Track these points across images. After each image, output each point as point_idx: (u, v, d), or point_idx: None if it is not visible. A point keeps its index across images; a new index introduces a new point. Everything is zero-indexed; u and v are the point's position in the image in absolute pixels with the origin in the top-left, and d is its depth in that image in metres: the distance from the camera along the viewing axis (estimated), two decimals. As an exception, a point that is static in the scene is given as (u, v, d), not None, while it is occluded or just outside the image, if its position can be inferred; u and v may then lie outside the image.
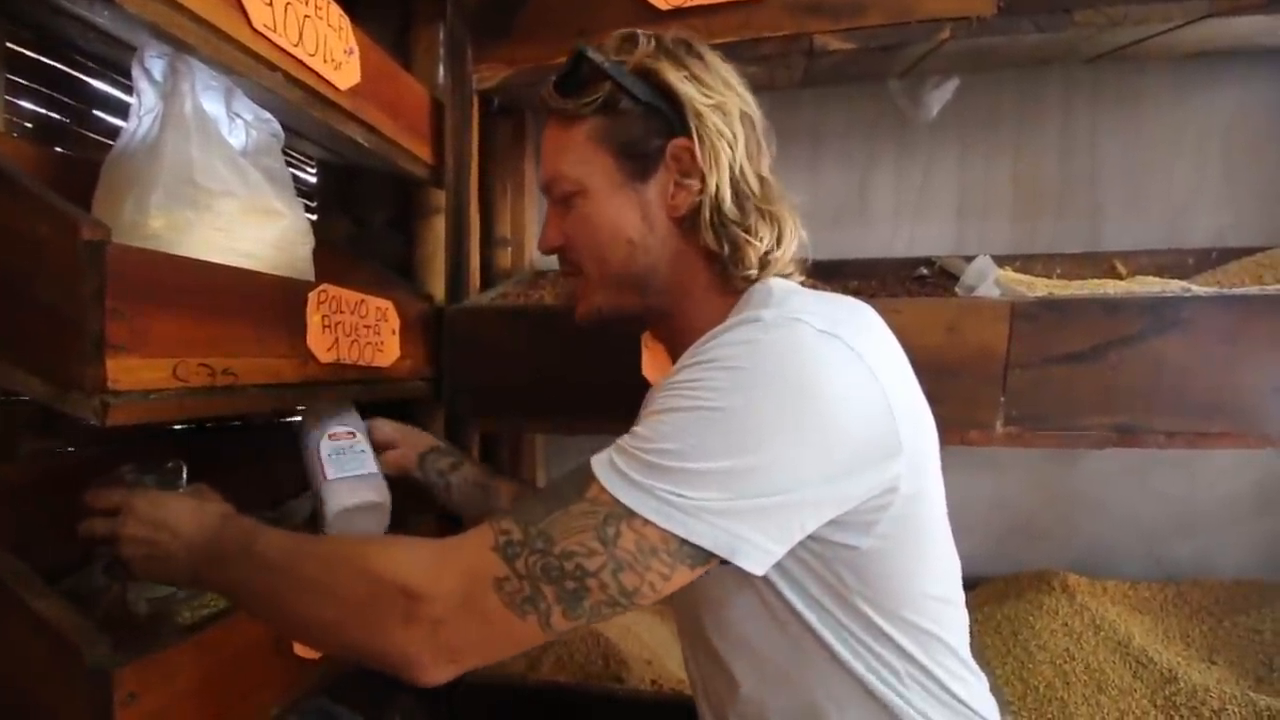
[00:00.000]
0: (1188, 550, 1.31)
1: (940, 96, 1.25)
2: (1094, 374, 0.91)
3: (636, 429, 0.53)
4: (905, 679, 0.57)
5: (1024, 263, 1.25)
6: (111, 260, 0.58)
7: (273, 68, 0.80)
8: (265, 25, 0.76)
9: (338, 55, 0.90)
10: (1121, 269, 1.22)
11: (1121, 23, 0.98)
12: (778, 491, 0.48)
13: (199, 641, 0.67)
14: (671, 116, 0.62)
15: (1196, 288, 0.97)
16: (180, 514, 0.62)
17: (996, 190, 1.34)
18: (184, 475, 0.76)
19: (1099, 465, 1.32)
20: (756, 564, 0.49)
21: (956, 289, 1.03)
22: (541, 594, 0.48)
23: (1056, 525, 1.34)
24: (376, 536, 0.59)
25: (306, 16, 0.83)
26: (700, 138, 0.61)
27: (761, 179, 0.65)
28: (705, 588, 0.57)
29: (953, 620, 0.62)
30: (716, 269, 0.65)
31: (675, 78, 0.62)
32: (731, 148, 0.62)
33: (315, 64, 0.85)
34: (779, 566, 0.52)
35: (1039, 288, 1.04)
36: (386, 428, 0.95)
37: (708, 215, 0.62)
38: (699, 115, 0.61)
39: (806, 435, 0.49)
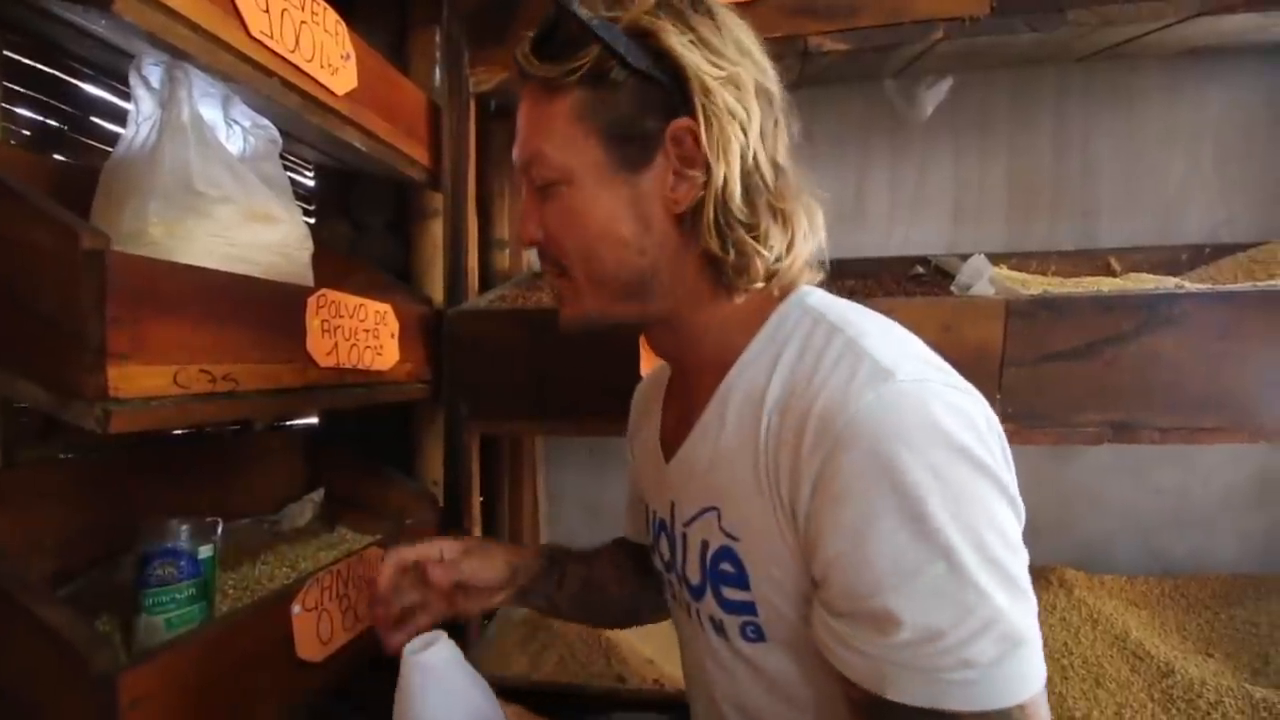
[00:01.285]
0: (1184, 545, 1.32)
1: (934, 96, 1.25)
2: (1089, 371, 0.92)
3: (889, 636, 0.43)
4: None
5: (1019, 261, 1.26)
6: (111, 268, 0.58)
7: (270, 74, 0.80)
8: (262, 32, 0.76)
9: (334, 60, 0.90)
10: (1116, 266, 1.23)
11: (1114, 21, 0.99)
12: (1031, 606, 0.45)
13: (203, 646, 0.67)
14: (673, 91, 0.52)
15: (1189, 285, 0.97)
16: None
17: (991, 189, 1.34)
18: (219, 531, 0.78)
19: (1095, 461, 1.33)
20: None
21: (952, 288, 1.04)
22: None
23: (1054, 521, 1.35)
24: None
25: (303, 22, 0.83)
26: (707, 119, 0.51)
27: (777, 168, 0.55)
28: (775, 662, 0.54)
29: None
30: (719, 276, 0.56)
31: (678, 42, 0.51)
32: (744, 131, 0.52)
33: (312, 69, 0.85)
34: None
35: (1034, 286, 1.04)
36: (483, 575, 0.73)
37: (711, 214, 0.52)
38: (706, 91, 0.51)
39: (1006, 520, 0.45)
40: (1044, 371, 0.93)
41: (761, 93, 0.54)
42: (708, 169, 0.52)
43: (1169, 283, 1.01)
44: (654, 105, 0.52)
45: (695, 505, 0.59)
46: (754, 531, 0.53)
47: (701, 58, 0.51)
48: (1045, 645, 1.10)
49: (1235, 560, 1.29)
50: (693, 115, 0.51)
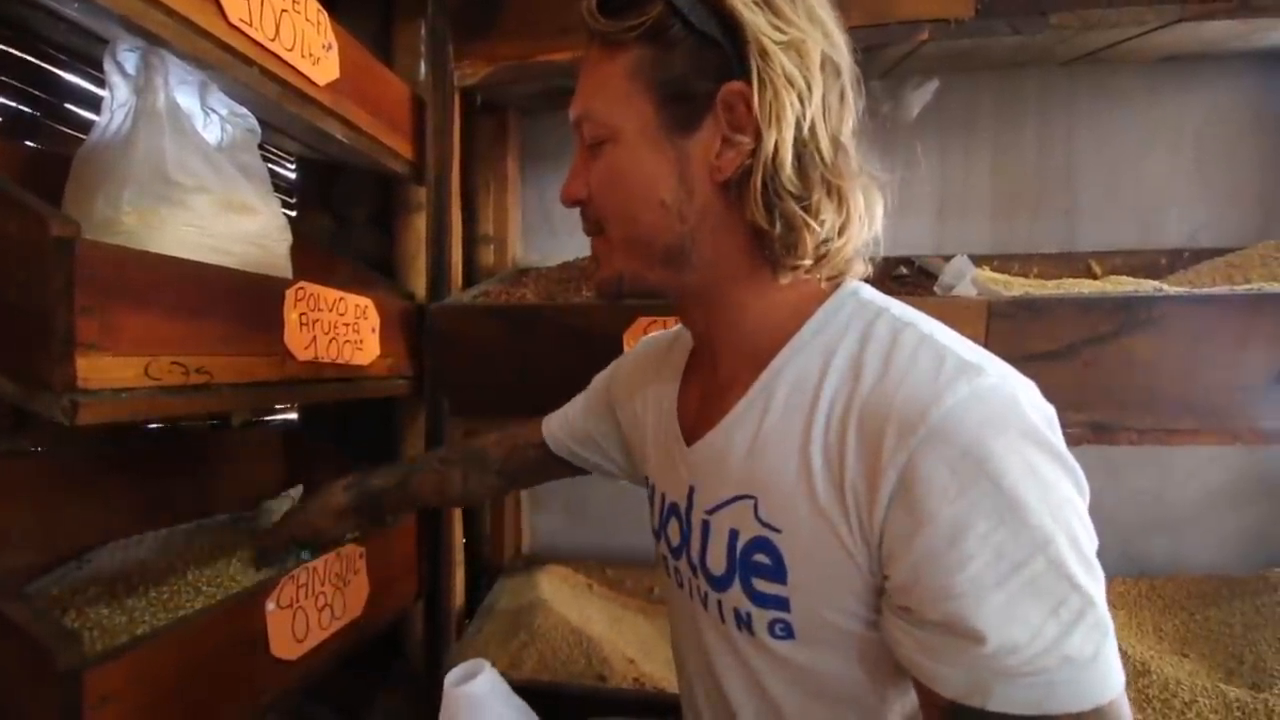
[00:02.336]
0: (1161, 546, 1.34)
1: (920, 98, 1.26)
2: (1068, 372, 0.93)
3: (988, 643, 0.41)
4: None
5: (1002, 262, 1.27)
6: (81, 257, 0.57)
7: (249, 62, 0.79)
8: (241, 19, 0.75)
9: (316, 50, 0.89)
10: (1096, 268, 1.25)
11: (1096, 26, 1.00)
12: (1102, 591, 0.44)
13: (172, 642, 0.66)
14: (730, 53, 0.49)
15: (1168, 287, 0.98)
16: None
17: (975, 190, 1.35)
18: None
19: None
20: None
21: (935, 288, 1.04)
22: None
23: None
24: None
25: (284, 11, 0.82)
26: (761, 83, 0.48)
27: (837, 144, 0.52)
28: (810, 663, 0.53)
29: None
30: (765, 251, 0.53)
31: (742, 2, 0.49)
32: (803, 100, 0.49)
33: (293, 59, 0.84)
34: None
35: (1015, 287, 1.05)
36: (303, 528, 0.89)
37: (759, 184, 0.50)
38: (764, 54, 0.48)
39: (1082, 507, 0.46)
40: (1024, 372, 0.92)
41: (828, 64, 0.51)
42: (757, 136, 0.49)
43: (1148, 285, 1.02)
44: (708, 67, 0.50)
45: (725, 492, 0.56)
46: (799, 524, 0.50)
47: (764, 20, 0.49)
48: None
49: (1211, 562, 1.31)
50: (747, 79, 0.49)
